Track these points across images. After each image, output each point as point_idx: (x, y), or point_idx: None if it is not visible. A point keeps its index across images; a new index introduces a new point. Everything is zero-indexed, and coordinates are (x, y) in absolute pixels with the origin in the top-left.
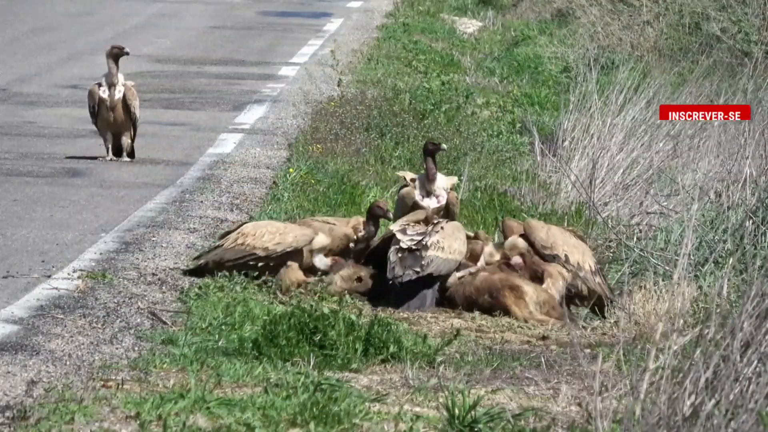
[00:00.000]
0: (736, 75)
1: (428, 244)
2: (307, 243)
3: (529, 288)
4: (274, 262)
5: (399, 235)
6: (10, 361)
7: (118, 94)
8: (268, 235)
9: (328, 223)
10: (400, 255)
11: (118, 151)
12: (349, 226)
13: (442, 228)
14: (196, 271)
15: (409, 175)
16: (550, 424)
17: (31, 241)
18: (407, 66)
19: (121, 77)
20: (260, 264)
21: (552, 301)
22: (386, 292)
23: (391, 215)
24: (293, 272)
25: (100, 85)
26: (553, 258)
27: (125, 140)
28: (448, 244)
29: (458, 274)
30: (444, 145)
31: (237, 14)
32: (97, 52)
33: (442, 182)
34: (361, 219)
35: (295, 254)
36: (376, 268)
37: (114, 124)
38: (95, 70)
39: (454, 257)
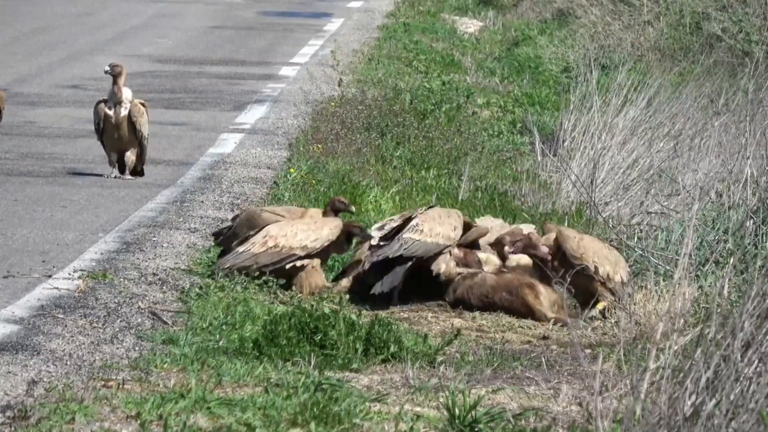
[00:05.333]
0: (736, 75)
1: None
2: (341, 233)
3: (542, 288)
4: (312, 259)
5: (375, 233)
6: (11, 360)
7: (124, 111)
8: (302, 233)
9: (276, 214)
10: (372, 249)
11: (122, 168)
12: (304, 216)
13: (425, 212)
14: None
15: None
16: (550, 424)
17: (32, 241)
18: (408, 66)
19: (128, 94)
20: (295, 264)
21: (560, 301)
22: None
23: (353, 208)
24: (315, 276)
25: (105, 101)
26: (583, 268)
27: (129, 157)
28: (428, 227)
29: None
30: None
31: (237, 14)
32: (97, 52)
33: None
34: (318, 211)
35: (333, 246)
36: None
37: (119, 142)
38: (95, 70)
39: (435, 240)
